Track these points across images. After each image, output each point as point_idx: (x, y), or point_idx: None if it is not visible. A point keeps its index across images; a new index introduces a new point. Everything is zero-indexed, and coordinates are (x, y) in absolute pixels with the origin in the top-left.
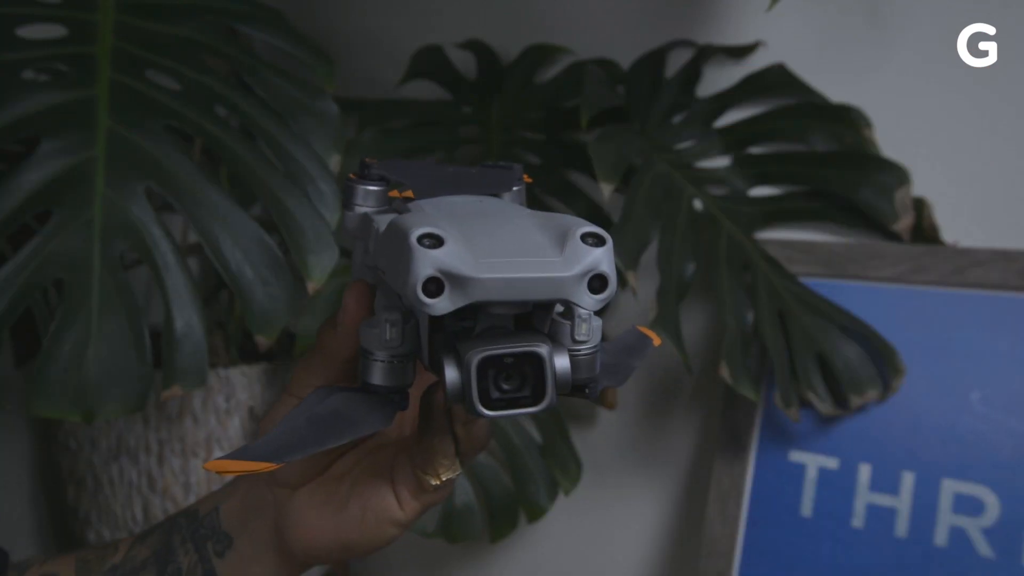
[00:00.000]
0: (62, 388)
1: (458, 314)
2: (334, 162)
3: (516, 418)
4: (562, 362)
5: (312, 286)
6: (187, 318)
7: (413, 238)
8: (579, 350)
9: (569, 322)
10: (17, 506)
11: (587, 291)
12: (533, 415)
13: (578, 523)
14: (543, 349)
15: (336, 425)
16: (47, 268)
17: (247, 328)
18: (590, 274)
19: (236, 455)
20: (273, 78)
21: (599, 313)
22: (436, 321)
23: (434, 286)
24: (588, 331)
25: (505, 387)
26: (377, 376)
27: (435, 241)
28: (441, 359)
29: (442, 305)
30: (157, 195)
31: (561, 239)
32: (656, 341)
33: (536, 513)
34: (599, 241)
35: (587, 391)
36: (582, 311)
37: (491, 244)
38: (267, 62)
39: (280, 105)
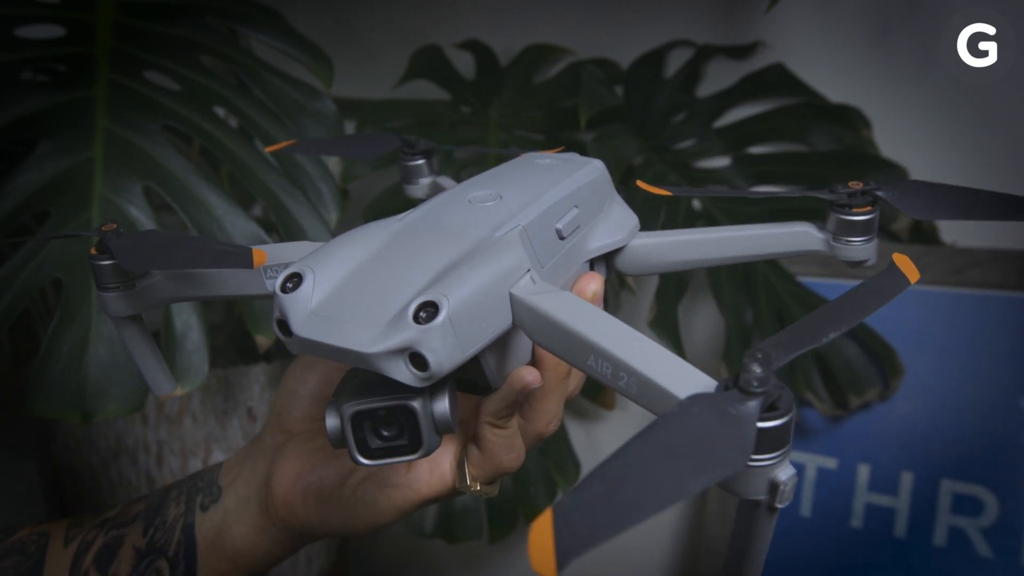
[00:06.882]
0: (60, 388)
1: None
2: (333, 163)
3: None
4: (440, 406)
5: None
6: (186, 318)
7: (281, 277)
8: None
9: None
10: (17, 506)
11: (406, 367)
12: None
13: None
14: (415, 402)
15: None
16: (45, 268)
17: (246, 328)
18: (406, 352)
19: None
20: (272, 78)
21: None
22: None
23: (282, 329)
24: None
25: (385, 434)
26: None
27: (294, 284)
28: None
29: (292, 346)
30: (155, 195)
31: (407, 304)
32: (913, 278)
33: (535, 513)
34: (431, 315)
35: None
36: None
37: (345, 297)
38: (266, 63)
39: (279, 105)
